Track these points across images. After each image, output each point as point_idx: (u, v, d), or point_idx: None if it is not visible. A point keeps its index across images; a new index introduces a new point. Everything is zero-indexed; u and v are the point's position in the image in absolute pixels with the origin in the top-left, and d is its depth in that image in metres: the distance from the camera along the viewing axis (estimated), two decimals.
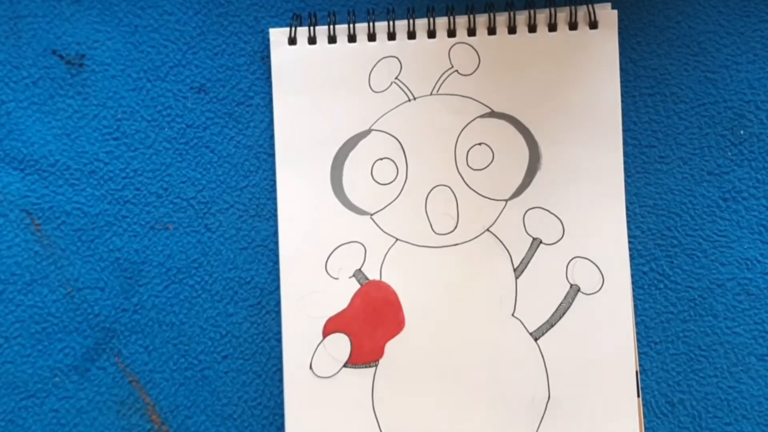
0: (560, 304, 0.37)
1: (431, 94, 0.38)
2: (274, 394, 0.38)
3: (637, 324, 0.38)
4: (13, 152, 0.39)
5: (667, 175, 0.38)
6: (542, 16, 0.38)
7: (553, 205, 0.38)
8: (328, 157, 0.39)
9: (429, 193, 0.38)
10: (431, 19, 0.38)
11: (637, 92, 0.38)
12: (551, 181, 0.38)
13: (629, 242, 0.38)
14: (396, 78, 0.39)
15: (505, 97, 0.38)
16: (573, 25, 0.38)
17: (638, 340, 0.38)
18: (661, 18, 0.38)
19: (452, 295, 0.38)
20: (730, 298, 0.37)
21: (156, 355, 0.38)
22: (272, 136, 0.39)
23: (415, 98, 0.39)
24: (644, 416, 0.37)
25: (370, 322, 0.38)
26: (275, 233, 0.39)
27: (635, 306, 0.38)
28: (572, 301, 0.37)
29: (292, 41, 0.39)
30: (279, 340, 0.38)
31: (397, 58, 0.39)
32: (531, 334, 0.37)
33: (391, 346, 0.38)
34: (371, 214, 0.38)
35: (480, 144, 0.38)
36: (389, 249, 0.38)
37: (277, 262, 0.38)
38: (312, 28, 0.39)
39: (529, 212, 0.38)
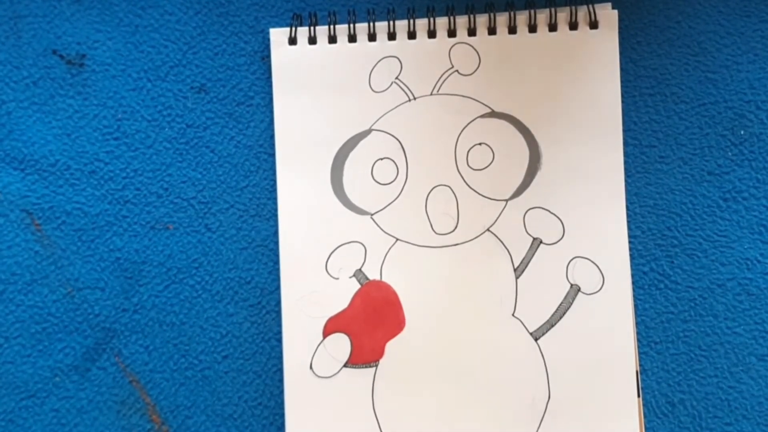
0: (560, 304, 0.37)
1: (431, 94, 0.38)
2: (274, 394, 0.38)
3: (637, 324, 0.38)
4: (14, 152, 0.39)
5: (668, 175, 0.38)
6: (542, 16, 0.38)
7: (553, 205, 0.38)
8: (328, 156, 0.39)
9: (429, 192, 0.38)
10: (431, 19, 0.38)
11: (638, 92, 0.38)
12: (551, 181, 0.38)
13: (629, 242, 0.38)
14: (396, 78, 0.39)
15: (505, 97, 0.38)
16: (573, 25, 0.38)
17: (638, 340, 0.38)
18: (662, 18, 0.38)
19: (452, 295, 0.38)
20: (730, 298, 0.37)
21: (156, 355, 0.38)
22: (272, 136, 0.39)
23: (415, 98, 0.39)
24: (644, 416, 0.37)
25: (371, 322, 0.38)
26: (275, 233, 0.39)
27: (635, 306, 0.38)
28: (572, 301, 0.37)
29: (293, 41, 0.39)
30: (279, 340, 0.38)
31: (398, 58, 0.39)
32: (531, 334, 0.37)
33: (391, 346, 0.38)
34: (371, 214, 0.38)
35: (480, 144, 0.38)
36: (389, 249, 0.38)
37: (277, 262, 0.38)
38: (312, 28, 0.39)
39: (529, 212, 0.38)
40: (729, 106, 0.38)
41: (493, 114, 0.38)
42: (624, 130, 0.38)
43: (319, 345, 0.38)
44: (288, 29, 0.39)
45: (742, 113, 0.38)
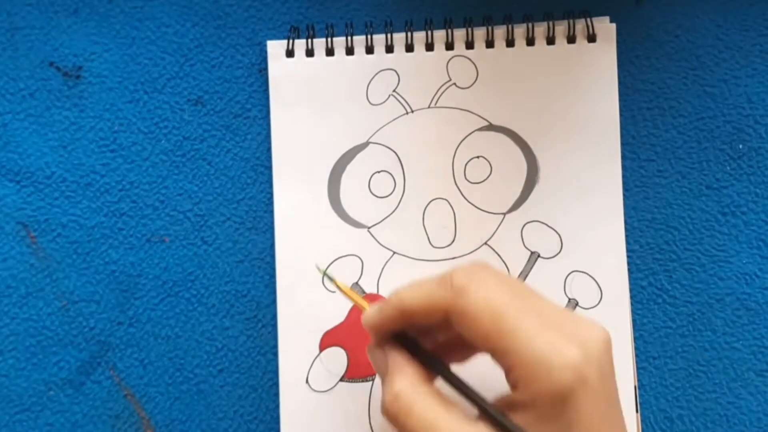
0: None
1: (429, 106, 0.38)
2: (270, 408, 0.38)
3: (635, 339, 0.37)
4: (9, 164, 0.39)
5: (666, 189, 0.38)
6: (540, 30, 0.38)
7: (551, 218, 0.38)
8: (325, 169, 0.38)
9: (427, 206, 0.38)
10: (429, 32, 0.38)
11: (636, 106, 0.38)
12: (549, 195, 0.38)
13: (628, 256, 0.37)
14: (394, 91, 0.39)
15: (503, 110, 0.38)
16: (571, 39, 0.38)
17: (636, 355, 0.37)
18: (660, 32, 0.38)
19: None
20: (729, 312, 0.37)
21: (151, 369, 0.38)
22: (269, 149, 0.39)
23: (413, 111, 0.38)
24: (642, 431, 0.37)
25: (367, 335, 0.37)
26: (272, 246, 0.38)
27: (633, 321, 0.37)
28: None
29: (290, 54, 0.39)
30: (275, 354, 0.38)
31: (395, 71, 0.39)
32: None
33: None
34: (369, 227, 0.38)
35: (478, 157, 0.38)
36: (386, 262, 0.38)
37: (273, 276, 0.38)
38: (310, 40, 0.39)
39: (527, 226, 0.38)
40: (727, 120, 0.38)
41: (490, 127, 0.38)
42: (622, 144, 0.38)
43: (315, 359, 0.38)
44: (285, 42, 0.39)
45: (741, 127, 0.38)
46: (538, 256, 0.37)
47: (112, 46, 0.39)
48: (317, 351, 0.38)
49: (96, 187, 0.39)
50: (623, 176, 0.38)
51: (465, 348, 0.31)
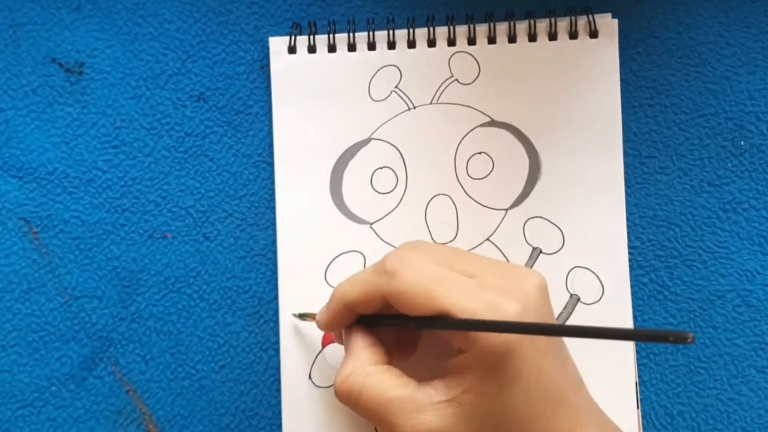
0: (560, 314, 0.37)
1: (431, 103, 0.38)
2: (272, 404, 0.38)
3: None
4: (12, 160, 0.39)
5: (667, 185, 0.38)
6: (543, 26, 0.38)
7: (553, 214, 0.38)
8: (327, 165, 0.38)
9: (429, 202, 0.38)
10: (431, 28, 0.38)
11: (638, 102, 0.38)
12: (551, 191, 0.38)
13: (629, 252, 0.37)
14: (396, 87, 0.39)
15: (505, 106, 0.38)
16: (573, 35, 0.38)
17: (637, 352, 0.37)
18: (662, 28, 0.38)
19: None
20: (730, 309, 0.37)
21: (153, 365, 0.38)
22: (271, 145, 0.39)
23: (414, 107, 0.38)
24: (643, 428, 0.37)
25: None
26: (274, 242, 0.38)
27: (634, 317, 0.38)
28: (572, 310, 0.37)
29: (292, 50, 0.39)
30: (277, 350, 0.38)
31: (397, 67, 0.39)
32: None
33: None
34: (371, 224, 0.38)
35: (480, 153, 0.38)
36: None
37: (275, 272, 0.38)
38: (312, 36, 0.39)
39: (529, 222, 0.38)
40: (729, 117, 0.38)
41: (492, 123, 0.38)
42: (624, 140, 0.38)
43: (317, 354, 0.38)
44: (287, 38, 0.39)
45: (742, 124, 0.38)
46: (540, 251, 0.37)
47: (114, 43, 0.39)
48: (319, 347, 0.38)
49: (98, 183, 0.39)
50: (625, 172, 0.38)
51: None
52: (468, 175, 0.38)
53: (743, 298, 0.37)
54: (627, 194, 0.38)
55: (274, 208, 0.39)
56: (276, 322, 0.38)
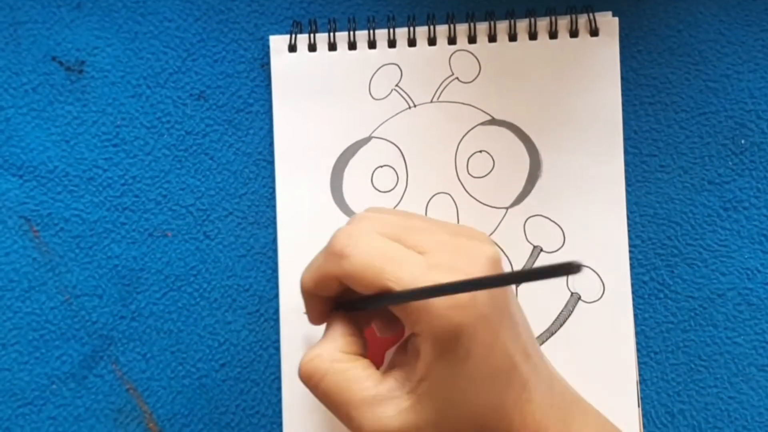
0: (560, 313, 0.37)
1: (432, 101, 0.38)
2: (272, 402, 0.38)
3: (636, 333, 0.37)
4: (12, 158, 0.39)
5: (668, 184, 0.38)
6: (543, 24, 0.38)
7: (553, 213, 0.38)
8: (328, 164, 0.38)
9: (429, 200, 0.38)
10: (432, 27, 0.38)
11: (638, 101, 0.38)
12: (552, 189, 0.38)
13: (630, 251, 0.37)
14: (396, 85, 0.39)
15: (505, 104, 0.38)
16: (574, 33, 0.38)
17: (638, 350, 0.37)
18: (662, 27, 0.38)
19: None
20: (730, 307, 0.37)
21: (154, 363, 0.38)
22: (272, 144, 0.39)
23: (415, 105, 0.38)
24: (644, 426, 0.37)
25: (370, 330, 0.38)
26: (274, 240, 0.38)
27: (635, 315, 0.38)
28: (573, 309, 0.37)
29: (292, 48, 0.39)
30: (277, 348, 0.38)
31: (398, 66, 0.39)
32: None
33: (391, 355, 0.37)
34: None
35: (480, 151, 0.38)
36: None
37: (276, 270, 0.38)
38: (312, 35, 0.39)
39: (529, 220, 0.38)
40: (729, 115, 0.38)
41: (493, 121, 0.38)
42: (624, 139, 0.38)
43: None
44: (288, 36, 0.39)
45: (743, 122, 0.38)
46: (541, 250, 0.37)
47: (114, 41, 0.39)
48: None
49: (98, 182, 0.39)
50: (625, 171, 0.38)
51: None
52: (468, 173, 0.38)
53: (744, 297, 0.37)
54: (627, 192, 0.38)
55: (274, 206, 0.39)
56: (276, 320, 0.38)
